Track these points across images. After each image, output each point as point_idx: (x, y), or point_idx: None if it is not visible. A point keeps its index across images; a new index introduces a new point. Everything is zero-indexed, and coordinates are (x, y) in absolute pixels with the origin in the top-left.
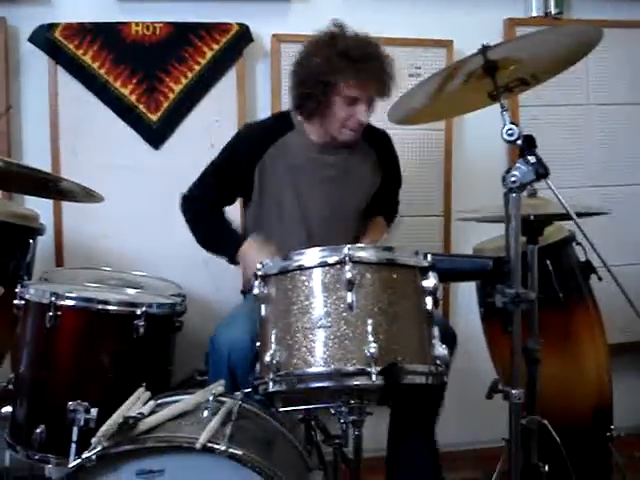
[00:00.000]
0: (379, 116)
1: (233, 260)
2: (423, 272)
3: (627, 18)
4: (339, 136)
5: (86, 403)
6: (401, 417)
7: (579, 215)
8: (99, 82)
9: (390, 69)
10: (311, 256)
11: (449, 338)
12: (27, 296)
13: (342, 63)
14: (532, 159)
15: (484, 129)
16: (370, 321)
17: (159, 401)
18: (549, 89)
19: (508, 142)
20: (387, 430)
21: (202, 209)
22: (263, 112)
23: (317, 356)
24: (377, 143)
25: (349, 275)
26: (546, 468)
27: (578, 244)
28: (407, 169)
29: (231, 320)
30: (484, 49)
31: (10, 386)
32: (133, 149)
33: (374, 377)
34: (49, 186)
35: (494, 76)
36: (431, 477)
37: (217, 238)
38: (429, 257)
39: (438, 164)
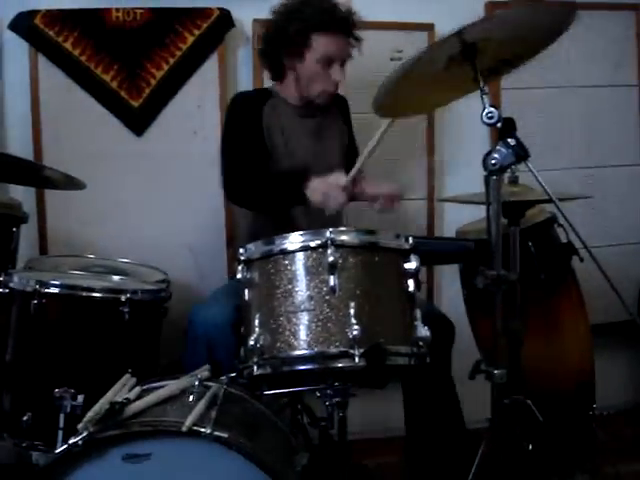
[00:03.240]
0: (359, 100)
1: (302, 199)
2: (405, 255)
3: (607, 0)
4: (316, 99)
5: (72, 390)
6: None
7: (560, 199)
8: (80, 69)
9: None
10: (293, 240)
11: (446, 329)
12: (11, 284)
13: (318, 20)
14: (512, 142)
15: (466, 112)
16: (353, 304)
17: (145, 387)
18: (530, 72)
19: (488, 125)
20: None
21: (247, 181)
22: None
23: (300, 339)
24: (343, 109)
25: (331, 259)
26: (530, 447)
27: (560, 226)
28: (390, 152)
29: (209, 300)
30: (460, 30)
31: None
32: (115, 136)
33: (357, 359)
34: (32, 174)
35: (473, 60)
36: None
37: (280, 189)
38: (411, 240)
39: (421, 147)
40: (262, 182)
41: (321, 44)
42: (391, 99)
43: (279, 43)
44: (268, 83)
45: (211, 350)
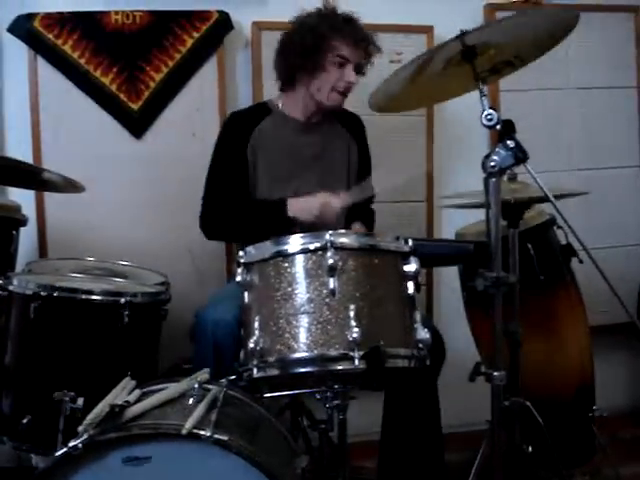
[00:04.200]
0: (359, 103)
1: (289, 223)
2: (404, 257)
3: (606, 2)
4: (326, 101)
5: (72, 393)
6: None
7: (557, 197)
8: (79, 72)
9: (375, 40)
10: (293, 242)
11: (437, 346)
12: (11, 287)
13: (337, 22)
14: (511, 144)
15: (465, 114)
16: (352, 306)
17: (145, 389)
18: (529, 74)
19: (487, 127)
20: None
21: (224, 213)
22: (244, 100)
23: (300, 342)
24: (352, 126)
25: (331, 261)
26: (530, 449)
27: (559, 227)
28: (389, 155)
29: (218, 299)
30: (462, 34)
31: None
32: (114, 138)
33: (357, 361)
34: (31, 177)
35: (473, 62)
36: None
37: (259, 220)
38: (410, 242)
39: (420, 150)
40: (243, 210)
41: (339, 45)
42: (388, 97)
43: (296, 42)
44: (267, 85)
45: (219, 350)
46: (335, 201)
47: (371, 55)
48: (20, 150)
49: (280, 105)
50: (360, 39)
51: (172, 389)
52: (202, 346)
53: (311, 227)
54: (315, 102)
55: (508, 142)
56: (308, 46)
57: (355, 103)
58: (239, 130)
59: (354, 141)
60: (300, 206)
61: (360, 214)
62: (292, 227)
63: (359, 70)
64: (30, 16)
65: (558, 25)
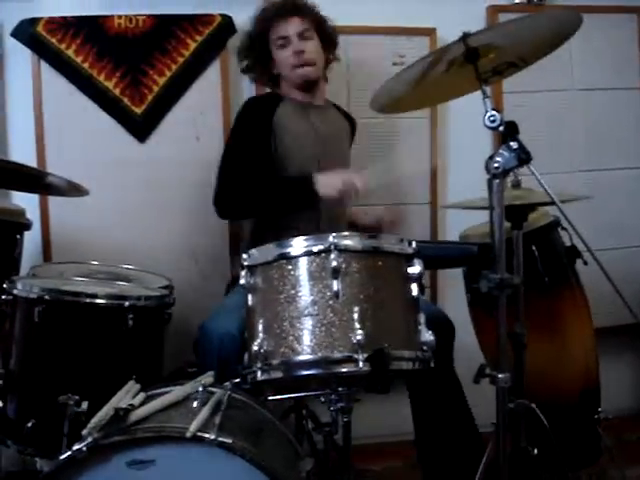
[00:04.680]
0: (362, 105)
1: (314, 199)
2: (408, 259)
3: (609, 3)
4: (296, 78)
5: (76, 396)
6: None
7: (561, 201)
8: (83, 76)
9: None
10: (297, 245)
11: (446, 328)
12: (15, 291)
13: (266, 15)
14: (514, 145)
15: (469, 116)
16: (356, 308)
17: (149, 393)
18: (532, 75)
19: (490, 129)
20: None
21: (245, 187)
22: None
23: (304, 344)
24: (349, 119)
25: (335, 263)
26: (535, 451)
27: (563, 229)
28: (392, 157)
29: (222, 310)
30: (464, 36)
31: (0, 381)
32: (118, 142)
33: (361, 364)
34: (35, 181)
35: (475, 63)
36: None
37: (284, 195)
38: (414, 244)
39: (424, 152)
40: (268, 186)
41: (272, 30)
42: (391, 98)
43: (250, 50)
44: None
45: (224, 364)
46: (358, 179)
47: (309, 18)
48: (24, 154)
49: (283, 93)
50: (287, 11)
51: (176, 392)
52: (207, 360)
53: (332, 205)
54: (293, 85)
55: (511, 143)
56: (254, 44)
57: (358, 105)
58: (261, 112)
59: (350, 129)
60: (324, 182)
61: None
62: (316, 203)
63: (304, 36)
64: (33, 21)
65: (561, 27)
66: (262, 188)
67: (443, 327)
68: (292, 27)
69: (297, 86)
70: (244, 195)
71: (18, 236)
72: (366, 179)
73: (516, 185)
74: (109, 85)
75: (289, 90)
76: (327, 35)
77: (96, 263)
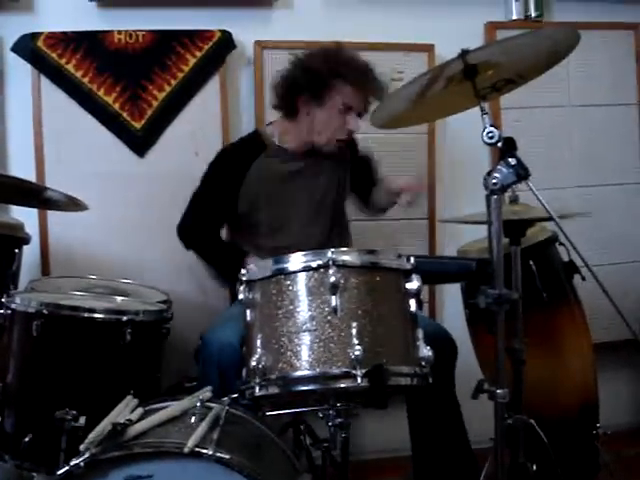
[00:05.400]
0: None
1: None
2: (406, 274)
3: (606, 20)
4: (324, 145)
5: (74, 411)
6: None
7: (560, 217)
8: (83, 91)
9: (383, 90)
10: (295, 260)
11: (448, 346)
12: (13, 305)
13: (346, 69)
14: (512, 161)
15: (467, 132)
16: (354, 324)
17: (147, 408)
18: (530, 92)
19: (488, 145)
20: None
21: (199, 237)
22: (247, 119)
23: (303, 359)
24: (358, 159)
25: (333, 279)
26: (534, 467)
27: (561, 244)
28: (391, 172)
29: (224, 321)
30: (463, 53)
31: None
32: (117, 157)
33: (359, 379)
34: (34, 195)
35: (474, 80)
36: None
37: (226, 262)
38: (412, 259)
39: (422, 167)
40: (211, 248)
41: (345, 92)
42: (390, 115)
43: (301, 83)
44: (269, 105)
45: (224, 375)
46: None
47: (372, 98)
48: (23, 168)
49: (275, 135)
50: (366, 85)
51: (174, 407)
52: (207, 369)
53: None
54: (310, 139)
55: (509, 159)
56: (313, 89)
57: None
58: (232, 167)
59: (348, 160)
60: None
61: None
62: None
63: (360, 115)
64: (34, 35)
65: (559, 45)
66: (210, 244)
67: (445, 345)
68: (360, 101)
69: (311, 145)
70: (197, 242)
71: (17, 250)
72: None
73: (514, 200)
74: (109, 100)
75: (291, 135)
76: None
77: (94, 277)
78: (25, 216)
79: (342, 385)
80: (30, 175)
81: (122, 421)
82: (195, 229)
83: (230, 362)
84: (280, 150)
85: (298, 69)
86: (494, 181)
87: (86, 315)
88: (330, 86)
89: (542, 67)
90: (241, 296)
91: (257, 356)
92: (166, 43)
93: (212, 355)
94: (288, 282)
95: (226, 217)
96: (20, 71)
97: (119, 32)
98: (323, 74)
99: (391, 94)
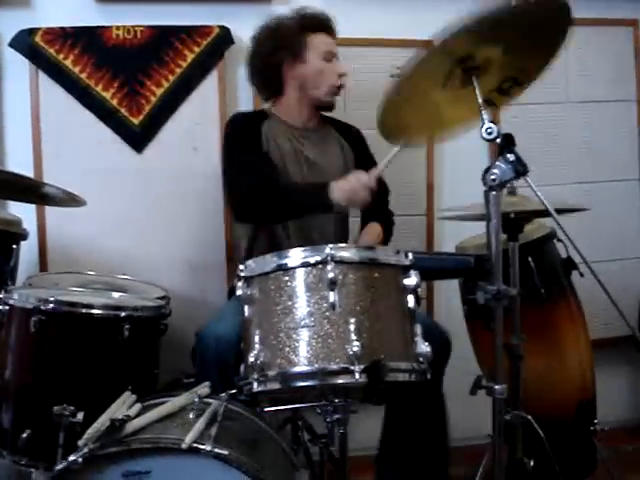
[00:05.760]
0: (359, 117)
1: (329, 206)
2: (405, 270)
3: (605, 16)
4: (325, 97)
5: (72, 407)
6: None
7: (558, 212)
8: (80, 86)
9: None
10: (293, 256)
11: (441, 343)
12: (11, 301)
13: (311, 21)
14: (511, 157)
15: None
16: (353, 320)
17: (145, 404)
18: (529, 88)
19: (487, 141)
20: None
21: (262, 194)
22: None
23: (301, 355)
24: (347, 135)
25: (331, 275)
26: (531, 463)
27: (559, 241)
28: (389, 168)
29: (220, 316)
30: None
31: None
32: (115, 153)
33: (357, 375)
34: (32, 191)
35: (470, 73)
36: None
37: (301, 198)
38: (410, 255)
39: (420, 163)
40: (281, 192)
41: (321, 42)
42: (394, 122)
43: (280, 50)
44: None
45: (222, 369)
46: (365, 177)
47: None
48: (21, 164)
49: (277, 113)
50: (330, 27)
51: (172, 403)
52: (205, 363)
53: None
54: (310, 102)
55: (508, 155)
56: (292, 44)
57: (355, 117)
58: (249, 125)
59: (350, 149)
60: (339, 187)
61: (377, 215)
62: (330, 209)
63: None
64: (32, 31)
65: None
66: (281, 194)
67: (438, 342)
68: (334, 46)
69: (312, 106)
70: (266, 200)
71: (14, 246)
72: (373, 174)
73: (512, 192)
74: (107, 95)
75: (288, 108)
76: None
77: (92, 273)
78: (23, 212)
79: (340, 381)
80: (28, 171)
81: (120, 417)
82: (257, 187)
83: (227, 355)
84: (285, 123)
85: (271, 40)
86: (493, 177)
87: (84, 311)
88: (306, 41)
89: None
90: (239, 292)
91: (255, 352)
92: (164, 39)
93: (209, 349)
94: (286, 278)
95: (268, 164)
96: (18, 67)
97: (117, 27)
98: (296, 33)
99: (386, 95)
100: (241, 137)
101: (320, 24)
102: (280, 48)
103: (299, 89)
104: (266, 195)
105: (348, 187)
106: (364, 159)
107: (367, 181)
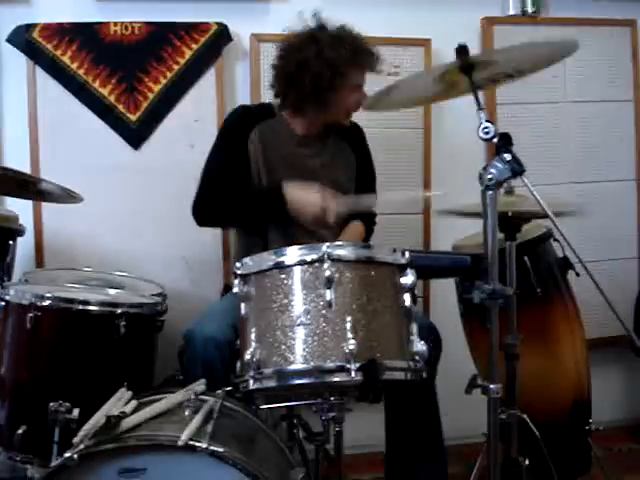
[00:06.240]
0: (356, 115)
1: (284, 214)
2: (401, 269)
3: (603, 16)
4: (342, 120)
5: (68, 404)
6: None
7: (555, 214)
8: (78, 82)
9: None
10: (290, 254)
11: (432, 341)
12: (7, 297)
13: (354, 53)
14: (508, 157)
15: (462, 127)
16: (349, 318)
17: (141, 400)
18: (526, 87)
19: (484, 140)
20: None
21: (221, 196)
22: None
23: (297, 353)
24: (350, 135)
25: (328, 273)
26: (526, 462)
27: (555, 240)
28: (387, 167)
29: (207, 316)
30: (460, 52)
31: None
32: (113, 149)
33: (353, 373)
34: (29, 187)
35: (471, 76)
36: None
37: (254, 205)
38: (407, 254)
39: (417, 162)
40: (240, 196)
41: (358, 76)
42: (384, 100)
43: (323, 75)
44: (266, 97)
45: (209, 369)
46: (334, 205)
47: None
48: (18, 160)
49: (283, 114)
50: (369, 63)
51: (168, 400)
52: (191, 365)
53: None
54: (324, 121)
55: (505, 155)
56: (325, 81)
57: (355, 116)
58: (243, 122)
59: (350, 150)
60: (299, 198)
61: (361, 215)
62: (286, 216)
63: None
64: (29, 27)
65: (556, 51)
66: (235, 198)
67: (429, 339)
68: (363, 78)
69: (323, 124)
70: (220, 204)
71: (11, 242)
72: (344, 204)
73: (509, 192)
74: (104, 92)
75: (298, 121)
76: None
77: (89, 270)
78: (20, 208)
79: (336, 379)
80: (25, 167)
81: (116, 414)
82: (216, 192)
83: (214, 357)
84: (289, 127)
85: (318, 62)
86: (489, 176)
87: (80, 307)
88: (342, 75)
89: (539, 67)
90: (236, 290)
91: (251, 350)
92: (162, 35)
93: (196, 351)
94: (283, 276)
95: (241, 174)
96: (15, 62)
97: (115, 24)
98: (335, 65)
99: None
100: (224, 138)
101: (362, 58)
102: (321, 77)
103: (318, 110)
104: (213, 197)
105: (310, 205)
106: (363, 159)
107: (333, 209)
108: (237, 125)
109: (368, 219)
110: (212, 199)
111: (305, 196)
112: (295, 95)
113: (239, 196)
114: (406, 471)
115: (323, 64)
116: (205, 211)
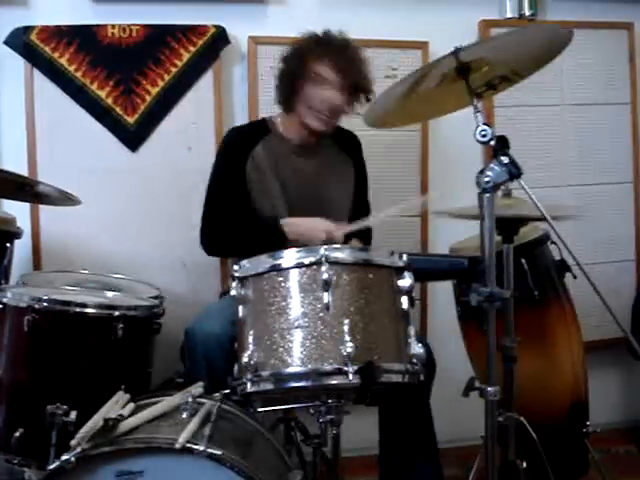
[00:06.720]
0: (354, 118)
1: (283, 242)
2: (399, 272)
3: (600, 19)
4: (311, 122)
5: (65, 406)
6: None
7: (553, 217)
8: (75, 85)
9: (366, 71)
10: (288, 257)
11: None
12: (5, 300)
13: (320, 47)
14: (505, 160)
15: (460, 130)
16: (346, 321)
17: (138, 403)
18: (524, 90)
19: (481, 143)
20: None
21: (224, 228)
22: (240, 114)
23: (294, 356)
24: (348, 146)
25: (325, 276)
26: (524, 464)
27: (553, 243)
28: (384, 170)
29: (208, 314)
30: (456, 51)
31: None
32: (110, 152)
33: (351, 376)
34: (26, 189)
35: (467, 78)
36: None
37: (255, 235)
38: (404, 257)
39: (414, 165)
40: (242, 227)
41: (315, 64)
42: (383, 113)
43: (286, 79)
44: (263, 99)
45: (211, 365)
46: (338, 234)
47: (358, 80)
48: (15, 162)
49: (279, 125)
50: (342, 61)
51: (166, 403)
52: (193, 361)
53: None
54: (305, 126)
55: (502, 158)
56: (292, 70)
57: (350, 117)
58: (239, 146)
59: (350, 160)
60: (301, 231)
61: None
62: (284, 245)
63: (346, 93)
64: (27, 29)
65: (552, 41)
66: (237, 228)
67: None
68: (337, 76)
69: (307, 129)
70: (224, 236)
71: (8, 244)
72: (345, 229)
73: (507, 194)
74: (102, 94)
75: (292, 125)
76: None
77: (86, 272)
78: (17, 210)
79: (334, 382)
80: (22, 169)
81: (113, 416)
82: (220, 224)
83: (216, 352)
84: (284, 139)
85: (285, 56)
86: (487, 179)
87: (78, 310)
88: (305, 61)
89: (537, 64)
90: (233, 292)
91: (249, 352)
92: (160, 38)
93: (197, 347)
94: (281, 278)
95: (241, 202)
96: (13, 65)
97: (113, 26)
98: (300, 53)
99: (383, 92)
100: (221, 164)
101: (330, 52)
102: (287, 81)
103: (299, 112)
104: (217, 231)
105: (314, 237)
106: (359, 168)
107: (327, 228)
108: (233, 149)
109: (365, 236)
110: (215, 232)
111: (307, 233)
112: (279, 91)
113: (241, 230)
114: (400, 473)
115: (293, 54)
116: (211, 245)
